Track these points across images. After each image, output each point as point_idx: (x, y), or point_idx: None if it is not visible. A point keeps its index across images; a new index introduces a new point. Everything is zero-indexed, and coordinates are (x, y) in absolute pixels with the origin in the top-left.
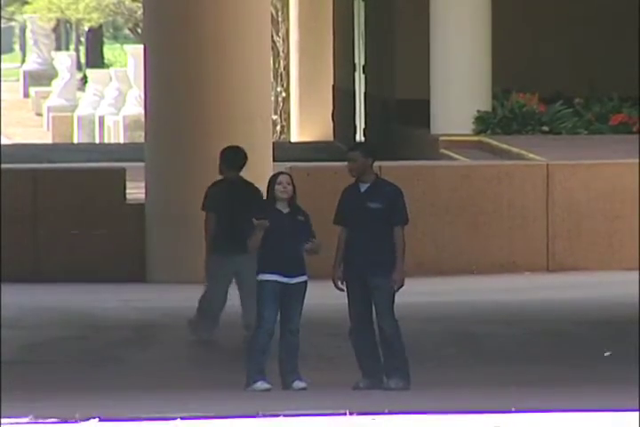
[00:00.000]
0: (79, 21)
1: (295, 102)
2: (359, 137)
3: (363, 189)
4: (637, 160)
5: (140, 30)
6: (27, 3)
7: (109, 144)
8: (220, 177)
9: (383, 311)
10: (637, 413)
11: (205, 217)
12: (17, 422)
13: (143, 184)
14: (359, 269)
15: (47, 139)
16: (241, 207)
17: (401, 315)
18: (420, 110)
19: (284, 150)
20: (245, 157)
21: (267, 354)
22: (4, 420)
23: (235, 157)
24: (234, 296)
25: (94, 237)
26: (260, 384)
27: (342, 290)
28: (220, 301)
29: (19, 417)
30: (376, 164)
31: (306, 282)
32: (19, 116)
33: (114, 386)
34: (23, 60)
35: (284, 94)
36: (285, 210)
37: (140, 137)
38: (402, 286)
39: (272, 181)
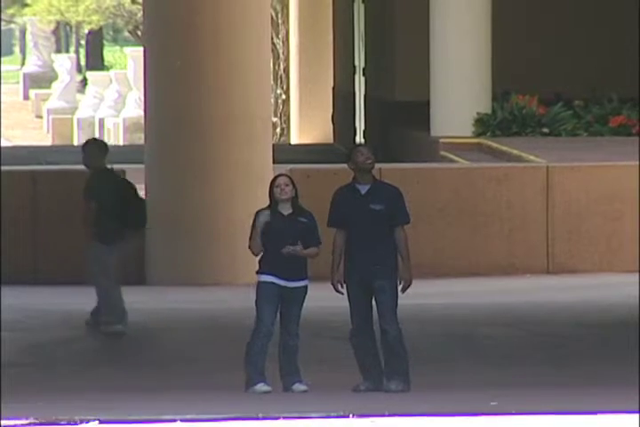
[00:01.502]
0: (79, 24)
1: (295, 104)
2: (359, 139)
3: (363, 191)
4: (637, 162)
5: (139, 33)
6: (27, 5)
7: (109, 146)
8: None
9: (387, 314)
10: (637, 415)
11: (85, 206)
12: (17, 424)
13: (143, 186)
14: (362, 271)
15: (47, 141)
16: (121, 196)
17: (401, 317)
18: (419, 112)
19: (283, 152)
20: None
21: (265, 355)
22: (4, 422)
23: (104, 148)
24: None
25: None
26: (260, 386)
27: (342, 293)
28: (116, 286)
29: (19, 419)
30: (376, 166)
31: (306, 287)
32: (19, 119)
33: (114, 388)
34: (23, 63)
35: (283, 96)
36: (287, 212)
37: (139, 139)
38: (410, 285)
39: (271, 185)
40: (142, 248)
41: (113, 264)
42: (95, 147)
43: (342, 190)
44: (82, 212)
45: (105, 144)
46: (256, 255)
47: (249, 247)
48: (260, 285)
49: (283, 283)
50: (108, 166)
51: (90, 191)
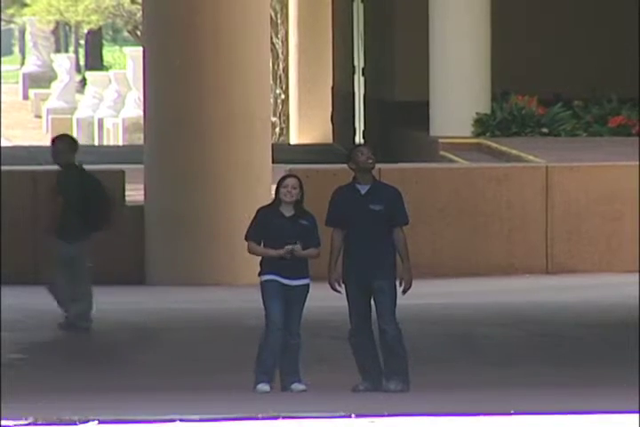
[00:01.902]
0: (78, 24)
1: (294, 104)
2: (358, 139)
3: (363, 192)
4: (636, 162)
5: (139, 32)
6: (26, 5)
7: (108, 146)
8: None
9: (386, 314)
10: (637, 415)
11: (52, 202)
12: (17, 424)
13: (142, 186)
14: (361, 271)
15: (46, 141)
16: (86, 194)
17: (400, 317)
18: (419, 112)
19: (283, 152)
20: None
21: (275, 354)
22: (3, 422)
23: (74, 144)
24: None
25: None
26: (261, 386)
27: (339, 292)
28: (67, 285)
29: (18, 419)
30: (375, 166)
31: (308, 285)
32: (18, 119)
33: (113, 388)
34: (22, 63)
35: (283, 96)
36: (289, 213)
37: (139, 139)
38: (410, 286)
39: (279, 183)
40: (142, 248)
41: (70, 261)
42: (63, 143)
43: (342, 190)
44: (49, 208)
45: (75, 140)
46: (250, 253)
47: (247, 247)
48: (263, 284)
49: (285, 281)
50: (77, 163)
51: (57, 187)
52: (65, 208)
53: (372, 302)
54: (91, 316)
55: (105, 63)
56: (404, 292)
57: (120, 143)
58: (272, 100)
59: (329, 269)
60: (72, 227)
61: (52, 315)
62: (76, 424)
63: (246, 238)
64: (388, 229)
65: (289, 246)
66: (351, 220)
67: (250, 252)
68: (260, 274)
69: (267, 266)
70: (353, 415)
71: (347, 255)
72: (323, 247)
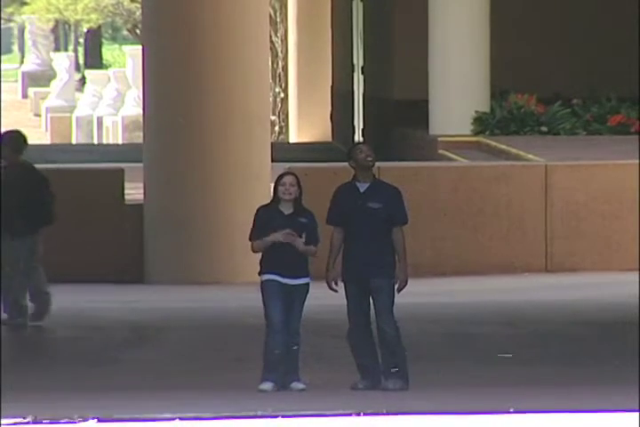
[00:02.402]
0: (78, 22)
1: (294, 103)
2: (358, 138)
3: (362, 190)
4: (636, 161)
5: (138, 31)
6: (25, 3)
7: (108, 145)
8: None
9: (384, 312)
10: (637, 413)
11: None
12: (16, 423)
13: (142, 185)
14: (359, 269)
15: (46, 139)
16: (28, 191)
17: (399, 316)
18: (418, 111)
19: (282, 151)
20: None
21: (278, 352)
22: (3, 420)
23: (22, 141)
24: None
25: (93, 237)
26: (262, 385)
27: (336, 291)
28: (24, 283)
29: (18, 417)
30: (375, 164)
31: (308, 284)
32: (17, 117)
33: (112, 387)
34: (22, 61)
35: (282, 95)
36: (288, 211)
37: (138, 138)
38: (405, 285)
39: (277, 181)
40: (141, 246)
41: (17, 258)
42: (7, 141)
43: (342, 188)
44: None
45: (23, 138)
46: (255, 252)
47: (251, 247)
48: (263, 284)
49: (285, 280)
50: (22, 161)
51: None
52: (5, 206)
53: (371, 300)
54: (47, 312)
55: (104, 62)
56: (399, 291)
57: (119, 142)
58: (271, 99)
59: (327, 268)
60: (12, 224)
61: (52, 314)
62: (75, 423)
63: (250, 240)
64: (387, 228)
65: (288, 230)
66: (350, 218)
67: (254, 251)
68: (260, 273)
69: (267, 265)
70: (356, 414)
71: (346, 253)
72: (322, 246)
